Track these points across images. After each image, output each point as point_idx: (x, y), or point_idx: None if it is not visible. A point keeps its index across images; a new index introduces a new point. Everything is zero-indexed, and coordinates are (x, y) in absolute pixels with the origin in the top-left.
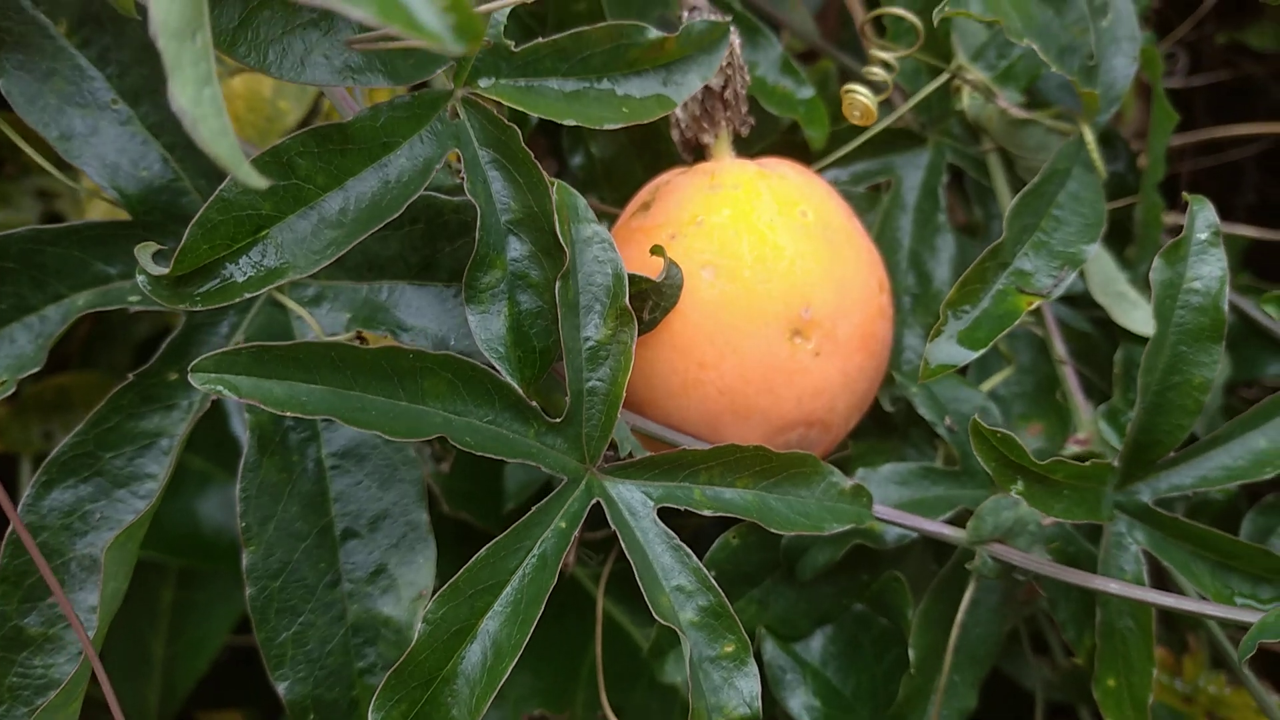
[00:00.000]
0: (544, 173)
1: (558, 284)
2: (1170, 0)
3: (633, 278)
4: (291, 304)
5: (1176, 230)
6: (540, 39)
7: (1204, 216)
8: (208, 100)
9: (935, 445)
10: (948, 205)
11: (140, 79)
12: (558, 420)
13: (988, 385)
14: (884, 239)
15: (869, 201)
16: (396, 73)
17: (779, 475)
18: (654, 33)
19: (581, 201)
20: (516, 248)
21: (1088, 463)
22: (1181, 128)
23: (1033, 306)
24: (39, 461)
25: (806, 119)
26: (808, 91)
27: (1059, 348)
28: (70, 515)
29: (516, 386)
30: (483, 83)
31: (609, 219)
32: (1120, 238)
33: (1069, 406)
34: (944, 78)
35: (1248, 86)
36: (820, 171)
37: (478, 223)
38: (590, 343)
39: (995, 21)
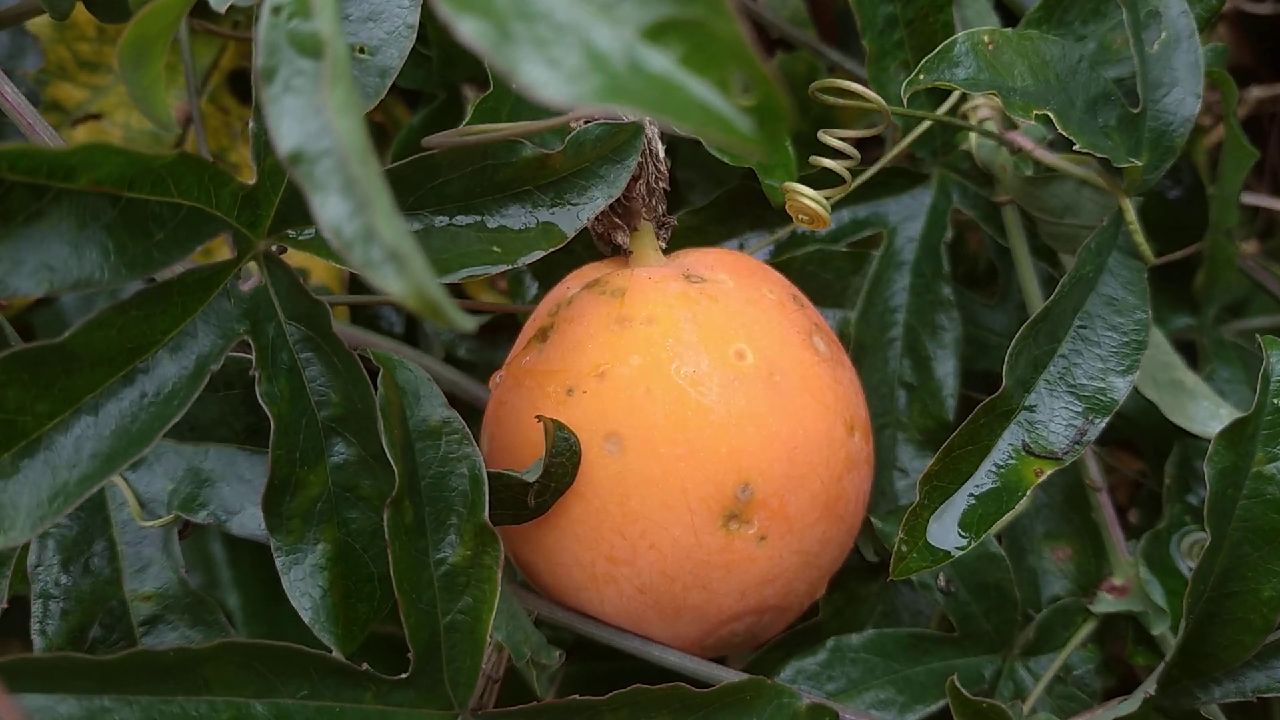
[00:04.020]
0: (358, 360)
1: (387, 510)
2: None
3: (503, 476)
4: None
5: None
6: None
7: None
8: (406, 234)
9: (935, 579)
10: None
11: None
12: (404, 676)
13: (1004, 519)
14: (872, 313)
15: (853, 264)
16: (134, 261)
17: (710, 707)
18: (529, 148)
19: (422, 380)
20: (342, 451)
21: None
22: (1273, 61)
23: (1043, 477)
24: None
25: (765, 165)
26: None
27: (1091, 468)
28: None
29: (332, 645)
30: (293, 233)
31: None
32: (1183, 274)
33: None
34: (953, 97)
35: None
36: (790, 229)
37: (272, 434)
38: (445, 567)
39: (991, 94)
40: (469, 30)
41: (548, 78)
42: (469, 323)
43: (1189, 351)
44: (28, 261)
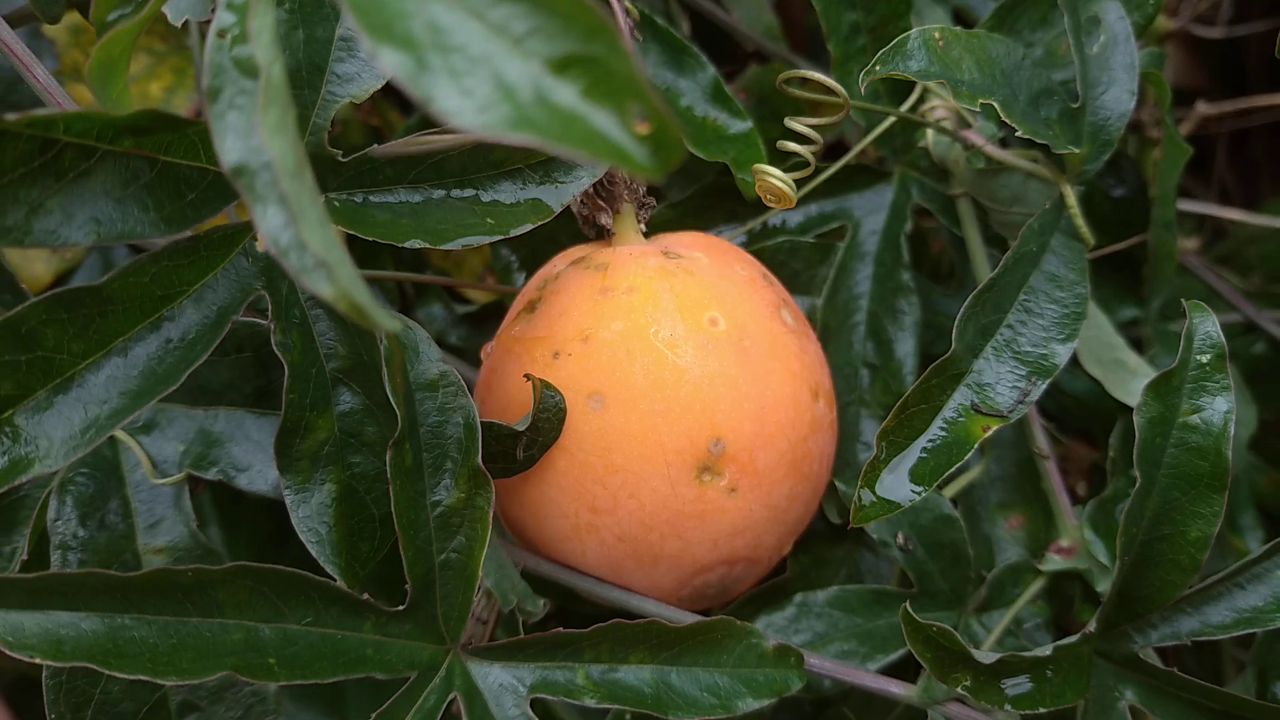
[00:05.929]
0: None
1: (390, 452)
2: None
3: (495, 426)
4: (119, 432)
5: (1214, 233)
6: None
7: (1205, 332)
8: (335, 244)
9: (895, 538)
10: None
11: None
12: (401, 608)
13: (959, 484)
14: (837, 300)
15: (820, 254)
16: (170, 218)
17: (684, 644)
18: None
19: (421, 338)
20: (347, 400)
21: (1050, 650)
22: (1227, 82)
23: (989, 432)
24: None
25: (738, 161)
26: (742, 125)
27: (1039, 437)
28: None
29: (336, 576)
30: None
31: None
32: (1130, 268)
33: (1053, 505)
34: (912, 99)
35: None
36: (761, 221)
37: (285, 380)
38: (440, 509)
39: (940, 83)
40: (389, 61)
41: (460, 106)
42: (393, 323)
43: (1136, 345)
44: (78, 215)
